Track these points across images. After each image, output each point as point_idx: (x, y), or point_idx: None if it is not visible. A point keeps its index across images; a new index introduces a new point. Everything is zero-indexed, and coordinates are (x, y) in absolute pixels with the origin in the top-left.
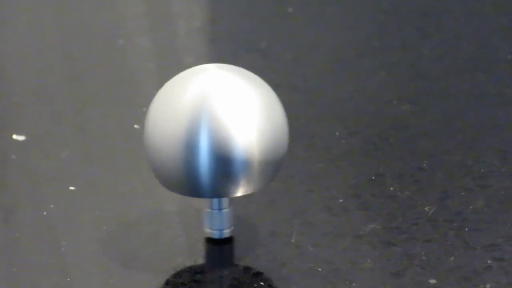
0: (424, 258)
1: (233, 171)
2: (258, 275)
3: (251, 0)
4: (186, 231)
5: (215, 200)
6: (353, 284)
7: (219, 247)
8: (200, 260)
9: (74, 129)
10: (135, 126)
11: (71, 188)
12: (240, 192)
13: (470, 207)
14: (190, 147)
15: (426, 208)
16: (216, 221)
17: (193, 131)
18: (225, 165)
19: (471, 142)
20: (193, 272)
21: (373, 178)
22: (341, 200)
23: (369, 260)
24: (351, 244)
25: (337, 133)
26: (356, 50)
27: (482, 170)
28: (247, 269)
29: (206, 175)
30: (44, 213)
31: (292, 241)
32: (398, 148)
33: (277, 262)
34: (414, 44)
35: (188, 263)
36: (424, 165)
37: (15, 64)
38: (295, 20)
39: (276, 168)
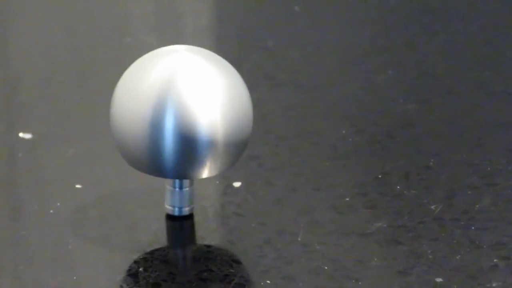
0: (430, 256)
1: (198, 152)
2: (264, 273)
3: None
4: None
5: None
6: (360, 283)
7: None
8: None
9: (80, 127)
10: None
11: (78, 186)
12: (204, 173)
13: (477, 205)
14: (155, 127)
15: (433, 207)
16: (176, 199)
17: (158, 112)
18: (189, 146)
19: (478, 140)
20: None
21: (380, 176)
22: (347, 199)
23: (375, 259)
24: (357, 242)
25: (343, 132)
26: (362, 48)
27: (489, 168)
28: (253, 267)
29: (170, 157)
30: (51, 211)
31: (299, 239)
32: (404, 146)
33: (283, 260)
34: (421, 43)
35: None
36: (431, 163)
37: (21, 62)
38: (302, 18)
39: (240, 150)
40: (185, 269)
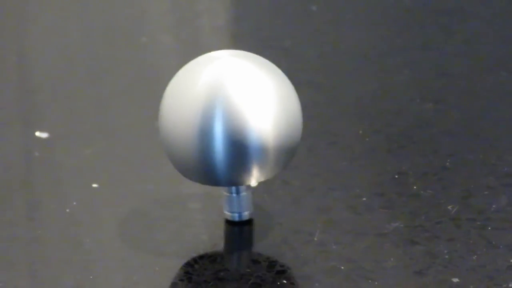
0: (447, 256)
1: (248, 159)
2: (281, 273)
3: None
4: (207, 226)
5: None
6: (376, 283)
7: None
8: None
9: (97, 126)
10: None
11: (94, 185)
12: (254, 180)
13: (493, 205)
14: (204, 134)
15: (449, 207)
16: (234, 205)
17: (207, 118)
18: (239, 152)
19: (494, 140)
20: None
21: (396, 176)
22: (364, 199)
23: (392, 259)
24: (374, 242)
25: (360, 132)
26: (379, 48)
27: (505, 168)
28: (270, 266)
29: (221, 163)
30: (67, 210)
31: (315, 239)
32: (421, 146)
33: (300, 260)
34: (437, 43)
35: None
36: (447, 163)
37: (38, 61)
38: (319, 18)
39: (290, 155)
40: (201, 269)
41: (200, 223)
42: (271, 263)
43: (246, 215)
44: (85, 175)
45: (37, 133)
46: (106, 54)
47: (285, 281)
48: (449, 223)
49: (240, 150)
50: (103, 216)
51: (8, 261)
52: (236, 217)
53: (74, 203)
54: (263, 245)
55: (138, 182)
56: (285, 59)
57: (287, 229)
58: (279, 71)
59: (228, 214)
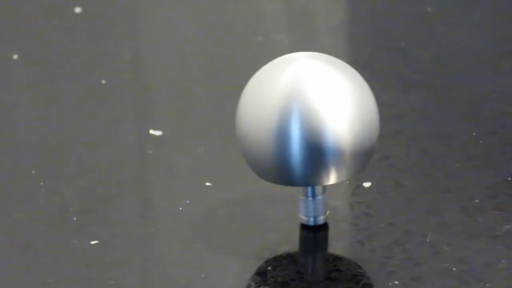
0: None
1: (325, 160)
2: (392, 273)
3: None
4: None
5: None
6: (487, 285)
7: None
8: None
9: (211, 125)
10: None
11: (207, 184)
12: (331, 180)
13: None
14: (282, 136)
15: None
16: (310, 208)
17: (285, 120)
18: (316, 153)
19: None
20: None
21: (510, 179)
22: (477, 200)
23: (504, 261)
24: (486, 244)
25: (474, 133)
26: (495, 50)
27: None
28: (382, 267)
29: (297, 164)
30: (180, 208)
31: (428, 240)
32: None
33: (412, 261)
34: None
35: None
36: None
37: (153, 59)
38: (434, 19)
39: (368, 156)
40: (313, 269)
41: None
42: (383, 264)
43: (321, 219)
44: (198, 173)
45: (151, 131)
46: (221, 53)
47: (396, 282)
48: None
49: (316, 152)
50: (216, 214)
51: (121, 258)
52: (311, 221)
53: (187, 201)
54: (374, 246)
55: (251, 181)
56: (401, 60)
57: (399, 230)
58: (356, 74)
59: (303, 218)
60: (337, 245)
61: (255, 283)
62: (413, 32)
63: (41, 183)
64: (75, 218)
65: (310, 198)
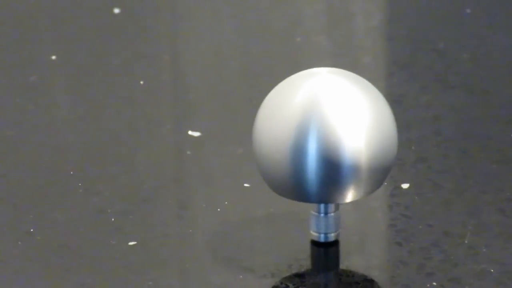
0: None
1: (341, 177)
2: (430, 275)
3: (428, 0)
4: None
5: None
6: None
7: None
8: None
9: (249, 126)
10: None
11: (246, 185)
12: (347, 198)
13: None
14: (298, 151)
15: None
16: (322, 225)
17: (302, 135)
18: (333, 171)
19: None
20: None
21: None
22: None
23: None
24: None
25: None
26: None
27: None
28: (419, 268)
29: (313, 181)
30: (218, 209)
31: (466, 241)
32: None
33: (450, 262)
34: None
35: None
36: None
37: (191, 60)
38: (473, 20)
39: (384, 175)
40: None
41: None
42: (421, 265)
43: (332, 236)
44: (236, 175)
45: (190, 132)
46: (260, 53)
47: (434, 283)
48: None
49: (332, 168)
50: (255, 216)
51: (159, 260)
52: (321, 238)
53: (226, 202)
54: (412, 247)
55: None
56: (439, 61)
57: (437, 231)
58: (375, 90)
59: (314, 234)
60: (374, 247)
61: (293, 285)
62: (452, 34)
63: (80, 184)
64: (113, 219)
65: (322, 215)
